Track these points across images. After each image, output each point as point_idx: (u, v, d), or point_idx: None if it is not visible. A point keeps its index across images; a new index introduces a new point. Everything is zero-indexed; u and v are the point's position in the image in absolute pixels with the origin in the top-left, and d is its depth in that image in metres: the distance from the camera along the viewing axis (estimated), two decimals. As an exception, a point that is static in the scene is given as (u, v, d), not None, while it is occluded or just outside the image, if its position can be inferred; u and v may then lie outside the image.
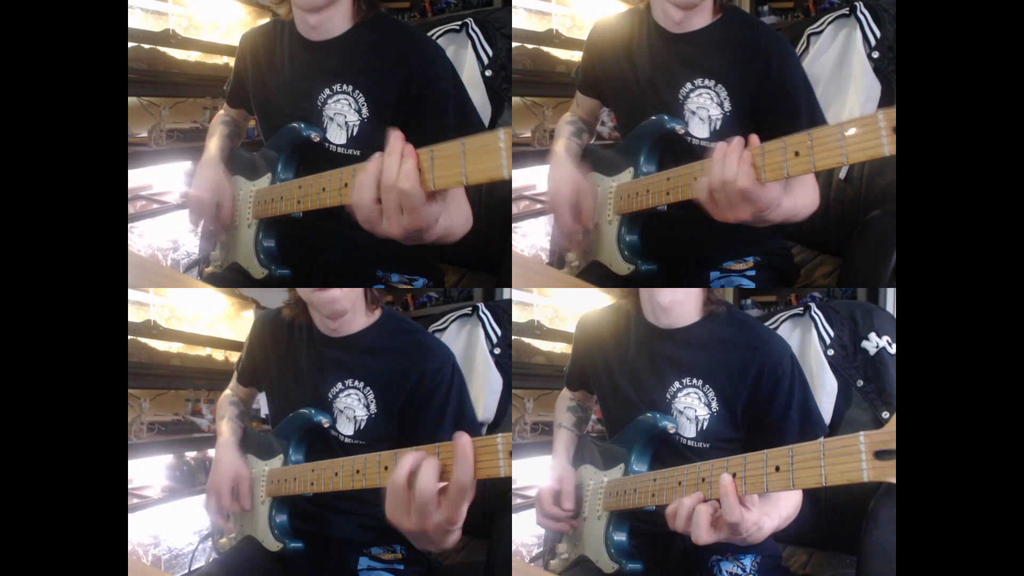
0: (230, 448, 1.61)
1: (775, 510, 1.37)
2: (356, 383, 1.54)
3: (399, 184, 1.23)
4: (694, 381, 1.50)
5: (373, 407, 1.53)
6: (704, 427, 1.49)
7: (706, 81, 1.51)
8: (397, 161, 1.23)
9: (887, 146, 1.14)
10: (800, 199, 1.43)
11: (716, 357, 1.50)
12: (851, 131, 1.18)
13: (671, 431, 1.49)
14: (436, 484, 1.15)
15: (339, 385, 1.55)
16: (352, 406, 1.54)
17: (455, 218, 1.42)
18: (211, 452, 2.19)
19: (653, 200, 1.48)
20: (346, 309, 1.53)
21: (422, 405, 1.52)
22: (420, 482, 1.14)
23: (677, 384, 1.51)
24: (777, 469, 1.22)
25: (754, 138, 1.31)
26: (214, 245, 1.62)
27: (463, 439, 1.13)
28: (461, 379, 1.57)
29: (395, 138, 1.25)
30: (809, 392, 1.51)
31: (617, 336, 1.60)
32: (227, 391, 1.75)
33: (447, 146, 1.21)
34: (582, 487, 1.58)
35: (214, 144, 1.64)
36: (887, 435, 1.11)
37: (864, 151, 1.17)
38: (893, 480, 1.10)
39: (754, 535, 1.32)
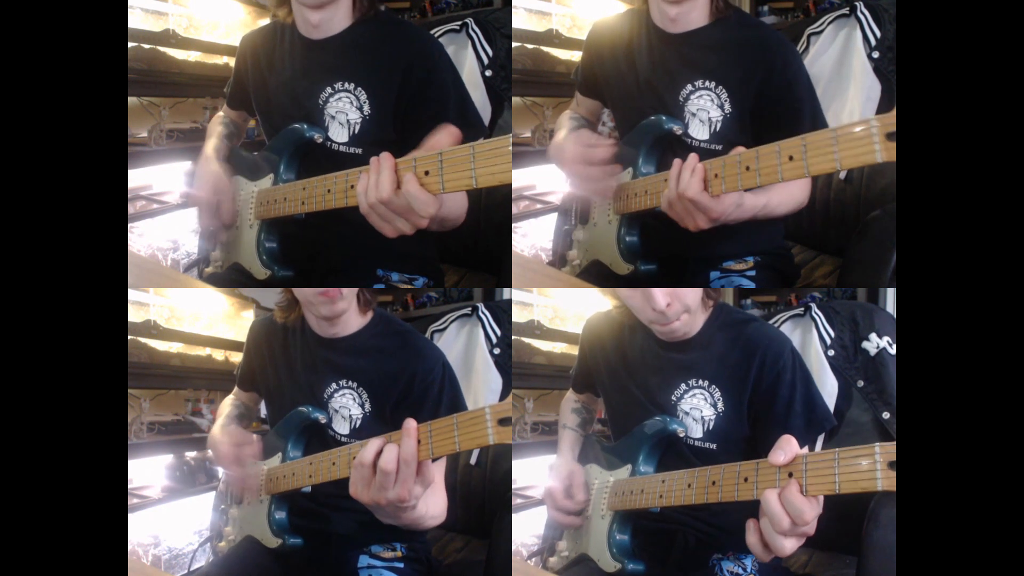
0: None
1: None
2: (350, 383, 1.54)
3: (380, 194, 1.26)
4: (700, 382, 1.50)
5: (367, 406, 1.53)
6: (711, 427, 1.49)
7: (707, 83, 1.51)
8: (389, 176, 1.27)
9: (880, 153, 1.14)
10: (776, 196, 1.46)
11: (719, 357, 1.50)
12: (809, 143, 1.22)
13: (680, 435, 1.49)
14: (394, 464, 1.28)
15: (333, 385, 1.55)
16: (347, 405, 1.54)
17: (451, 203, 1.44)
18: (211, 452, 2.20)
19: (652, 201, 1.48)
20: (345, 309, 1.53)
21: (415, 407, 1.52)
22: (381, 461, 1.28)
23: (683, 386, 1.51)
24: (790, 475, 1.20)
25: (739, 149, 1.33)
26: (214, 245, 1.62)
27: (409, 422, 1.27)
28: (453, 378, 1.57)
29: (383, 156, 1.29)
30: (812, 384, 1.50)
31: (622, 338, 1.60)
32: (230, 396, 1.76)
33: (457, 150, 1.22)
34: (588, 486, 1.58)
35: (211, 144, 1.64)
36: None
37: (843, 159, 1.19)
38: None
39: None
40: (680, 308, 1.45)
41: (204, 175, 1.59)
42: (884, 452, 1.11)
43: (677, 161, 1.39)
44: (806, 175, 1.24)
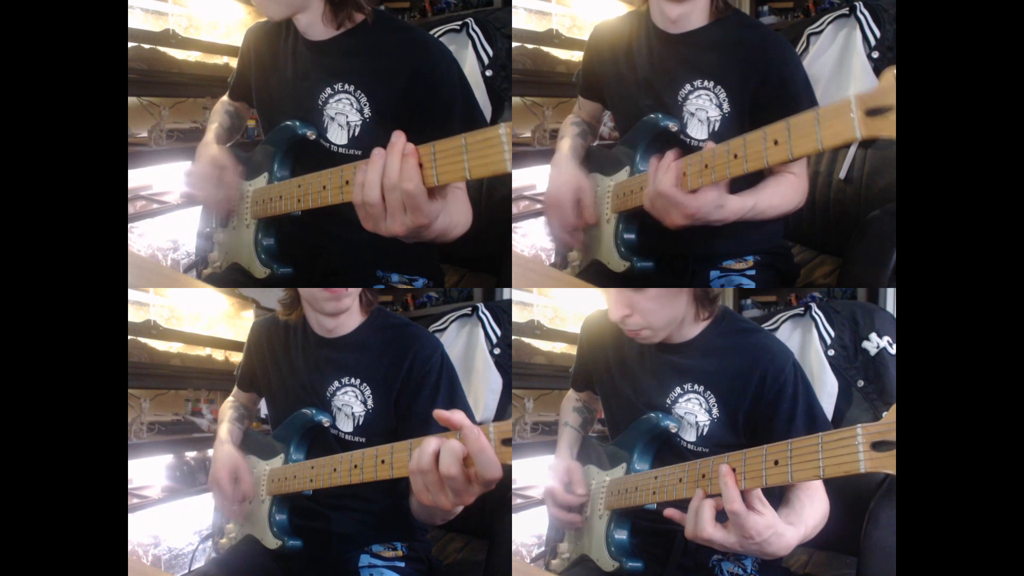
0: (225, 444, 1.63)
1: (800, 519, 1.35)
2: (352, 380, 1.54)
3: (402, 184, 1.23)
4: (695, 387, 1.50)
5: (370, 402, 1.54)
6: (704, 432, 1.49)
7: (705, 82, 1.51)
8: (399, 160, 1.24)
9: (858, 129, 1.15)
10: (766, 198, 1.45)
11: (717, 364, 1.49)
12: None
13: (673, 431, 1.49)
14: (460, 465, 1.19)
15: (336, 383, 1.55)
16: (350, 403, 1.54)
17: (455, 216, 1.42)
18: (211, 452, 2.20)
19: (642, 199, 1.48)
20: (350, 306, 1.54)
21: (413, 394, 1.53)
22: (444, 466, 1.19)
23: (678, 390, 1.51)
24: (776, 463, 1.22)
25: (709, 144, 1.34)
26: (211, 246, 1.62)
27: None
28: (451, 368, 1.57)
29: (397, 136, 1.25)
30: (813, 396, 1.50)
31: (619, 339, 1.60)
32: (230, 397, 1.75)
33: (449, 141, 1.21)
34: (587, 485, 1.58)
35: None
36: (885, 427, 1.11)
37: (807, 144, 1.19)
38: (892, 471, 1.10)
39: (773, 542, 1.29)
40: (640, 322, 1.45)
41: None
42: (867, 433, 1.12)
43: (654, 158, 1.41)
44: (790, 157, 1.24)
